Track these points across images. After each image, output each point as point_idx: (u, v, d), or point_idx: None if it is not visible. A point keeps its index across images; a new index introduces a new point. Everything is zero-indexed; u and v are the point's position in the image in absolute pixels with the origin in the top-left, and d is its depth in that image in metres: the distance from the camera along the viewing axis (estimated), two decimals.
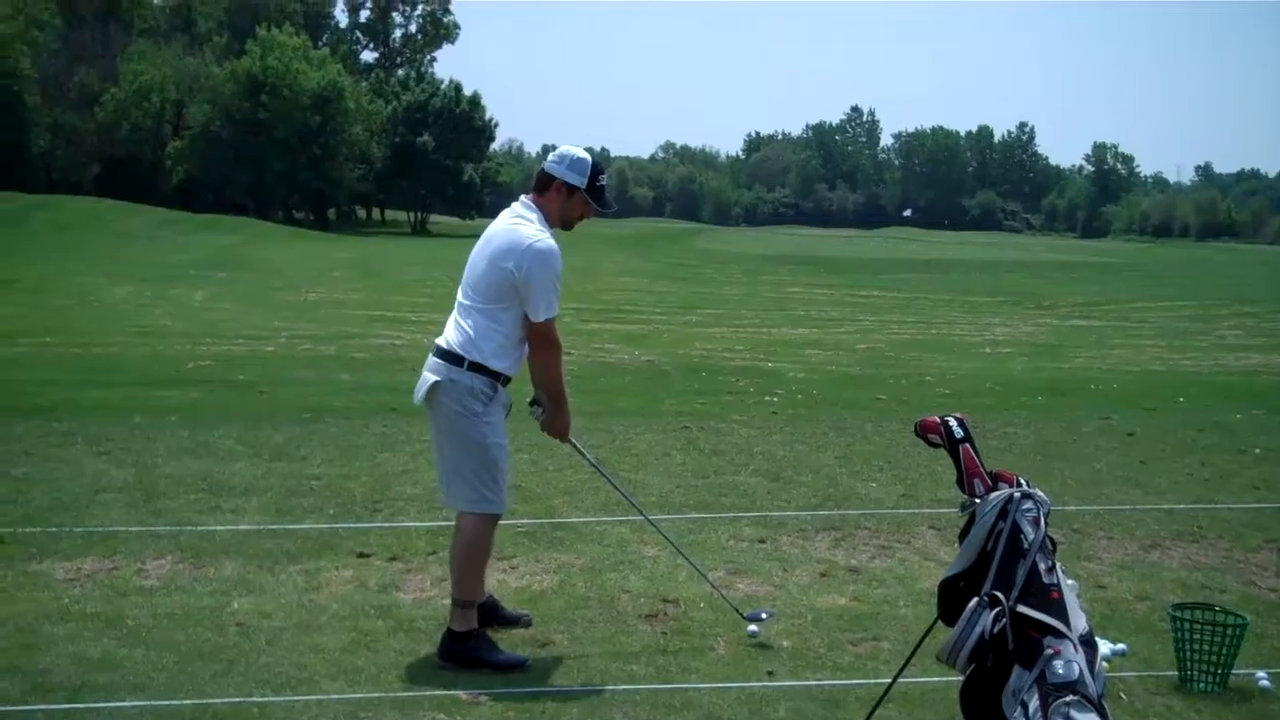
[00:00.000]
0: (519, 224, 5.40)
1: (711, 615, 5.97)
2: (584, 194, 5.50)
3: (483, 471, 5.35)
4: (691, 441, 10.72)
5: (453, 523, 5.65)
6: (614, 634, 5.72)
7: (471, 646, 5.32)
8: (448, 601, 5.76)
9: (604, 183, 5.56)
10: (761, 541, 7.42)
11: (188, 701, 4.80)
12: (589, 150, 5.55)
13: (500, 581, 6.37)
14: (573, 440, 5.78)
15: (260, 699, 4.84)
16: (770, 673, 5.27)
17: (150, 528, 7.33)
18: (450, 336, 5.38)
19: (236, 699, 4.83)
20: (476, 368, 5.28)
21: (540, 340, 5.43)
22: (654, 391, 14.15)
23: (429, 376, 5.35)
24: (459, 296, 5.49)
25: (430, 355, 5.43)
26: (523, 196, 5.56)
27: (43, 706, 4.73)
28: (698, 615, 5.99)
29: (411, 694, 4.95)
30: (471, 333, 5.32)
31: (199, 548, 6.93)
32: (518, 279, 5.26)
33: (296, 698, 4.86)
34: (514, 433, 5.69)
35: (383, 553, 6.92)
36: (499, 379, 5.36)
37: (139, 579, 6.37)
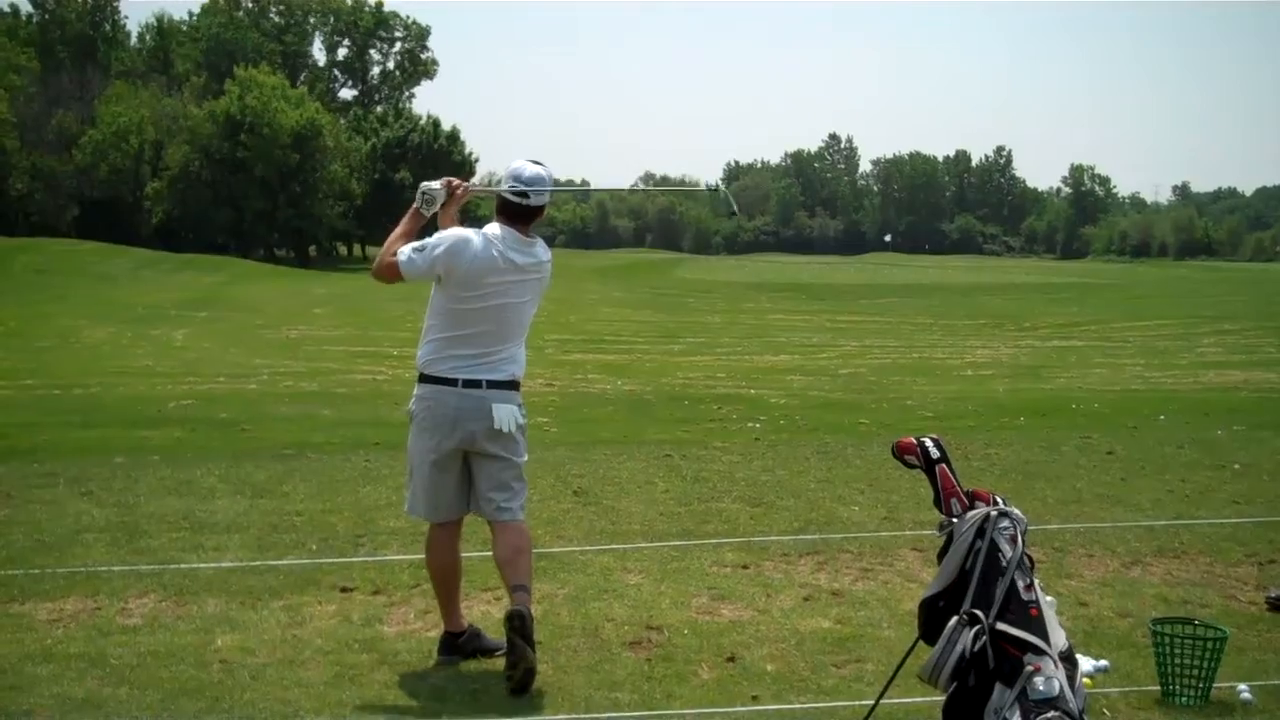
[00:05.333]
0: None
1: (696, 641, 5.98)
2: (502, 198, 5.71)
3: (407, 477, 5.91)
4: (674, 469, 10.73)
5: None
6: (598, 662, 5.72)
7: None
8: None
9: (508, 185, 5.66)
10: (745, 567, 7.43)
11: None
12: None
13: (484, 612, 6.37)
14: None
15: None
16: (755, 697, 5.28)
17: (133, 567, 7.31)
18: None
19: None
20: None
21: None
22: (636, 420, 14.16)
23: None
24: None
25: None
26: None
27: None
28: (681, 642, 5.99)
29: None
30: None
31: (182, 586, 6.92)
32: None
33: None
34: None
35: (366, 586, 6.92)
36: (427, 381, 5.67)
37: (122, 618, 6.35)
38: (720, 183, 5.51)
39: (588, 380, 18.50)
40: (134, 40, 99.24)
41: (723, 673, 5.58)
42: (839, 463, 11.14)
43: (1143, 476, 10.53)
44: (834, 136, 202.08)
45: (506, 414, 5.59)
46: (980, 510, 4.54)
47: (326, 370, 19.84)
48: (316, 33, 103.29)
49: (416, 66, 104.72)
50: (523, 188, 5.61)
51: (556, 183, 5.85)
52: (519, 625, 5.31)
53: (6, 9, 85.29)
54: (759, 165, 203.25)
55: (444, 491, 5.74)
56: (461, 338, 5.61)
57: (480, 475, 5.70)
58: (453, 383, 5.58)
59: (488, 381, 5.59)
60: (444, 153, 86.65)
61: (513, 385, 5.68)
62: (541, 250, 5.77)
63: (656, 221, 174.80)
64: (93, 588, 6.85)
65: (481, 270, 5.57)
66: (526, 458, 5.83)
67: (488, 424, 5.56)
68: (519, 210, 5.66)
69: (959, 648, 4.38)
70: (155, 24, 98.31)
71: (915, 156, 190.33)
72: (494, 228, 5.68)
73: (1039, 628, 4.37)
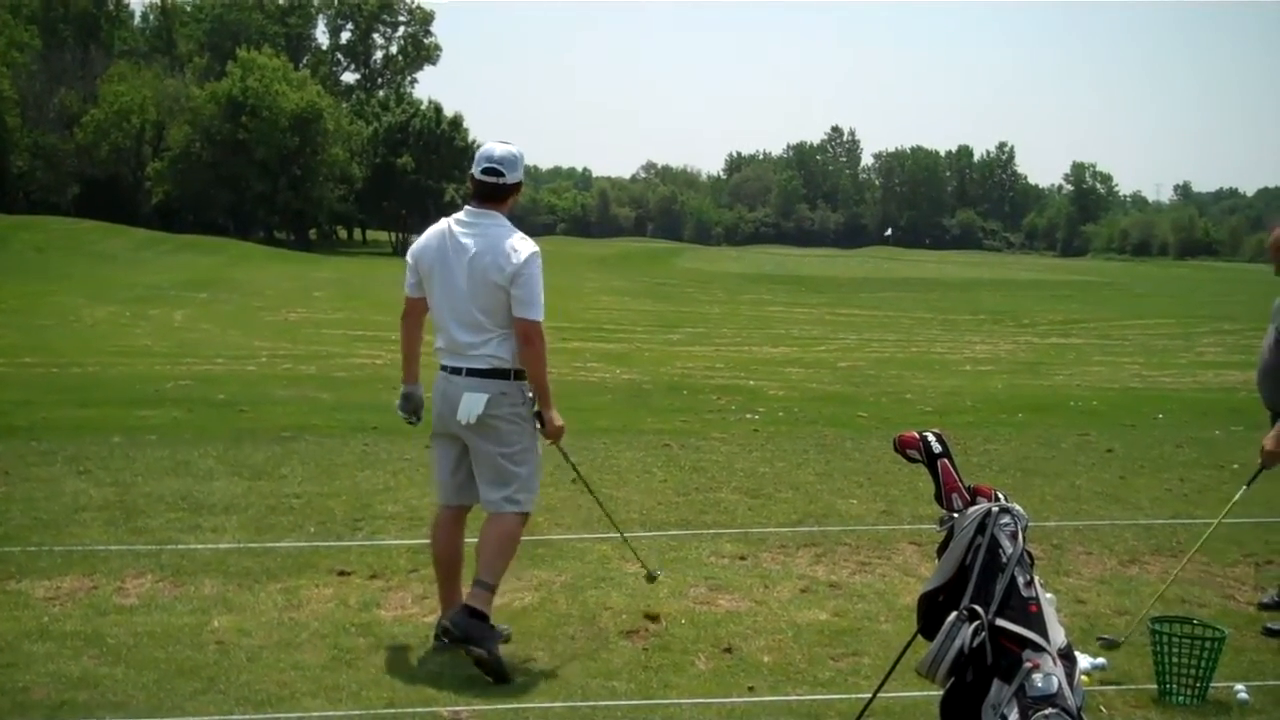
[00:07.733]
0: None
1: (693, 631, 5.98)
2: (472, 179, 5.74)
3: None
4: (672, 459, 10.72)
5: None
6: (595, 650, 5.72)
7: (487, 627, 5.46)
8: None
9: (482, 166, 5.65)
10: (742, 558, 7.42)
11: None
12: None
13: None
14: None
15: (241, 717, 4.82)
16: (751, 688, 5.28)
17: (130, 546, 7.31)
18: None
19: (217, 717, 4.81)
20: None
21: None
22: (635, 409, 14.15)
23: None
24: None
25: None
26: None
27: None
28: (679, 632, 5.99)
29: (393, 711, 4.94)
30: None
31: (179, 566, 6.91)
32: None
33: (277, 715, 4.84)
34: None
35: (363, 570, 6.91)
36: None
37: (119, 597, 6.34)
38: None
39: (587, 368, 18.48)
40: (137, 20, 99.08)
41: (719, 663, 5.58)
42: (837, 455, 11.14)
43: (1141, 475, 10.53)
44: (836, 129, 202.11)
45: (471, 404, 5.50)
46: (982, 506, 4.52)
47: (326, 353, 19.83)
48: (320, 15, 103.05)
49: (419, 51, 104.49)
50: (484, 165, 5.64)
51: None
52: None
53: None
54: (761, 156, 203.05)
55: (442, 474, 5.80)
56: (436, 319, 5.70)
57: (473, 462, 5.71)
58: (443, 369, 5.65)
59: (467, 370, 5.57)
60: (446, 138, 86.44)
61: (494, 374, 5.55)
62: (495, 226, 5.58)
63: (657, 211, 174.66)
64: (90, 566, 6.84)
65: (429, 247, 5.70)
66: (522, 446, 5.69)
67: (456, 414, 5.57)
68: (486, 190, 5.65)
69: (958, 643, 4.37)
70: (159, 4, 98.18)
71: (917, 151, 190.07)
72: (460, 211, 5.74)
73: (1038, 624, 4.36)
